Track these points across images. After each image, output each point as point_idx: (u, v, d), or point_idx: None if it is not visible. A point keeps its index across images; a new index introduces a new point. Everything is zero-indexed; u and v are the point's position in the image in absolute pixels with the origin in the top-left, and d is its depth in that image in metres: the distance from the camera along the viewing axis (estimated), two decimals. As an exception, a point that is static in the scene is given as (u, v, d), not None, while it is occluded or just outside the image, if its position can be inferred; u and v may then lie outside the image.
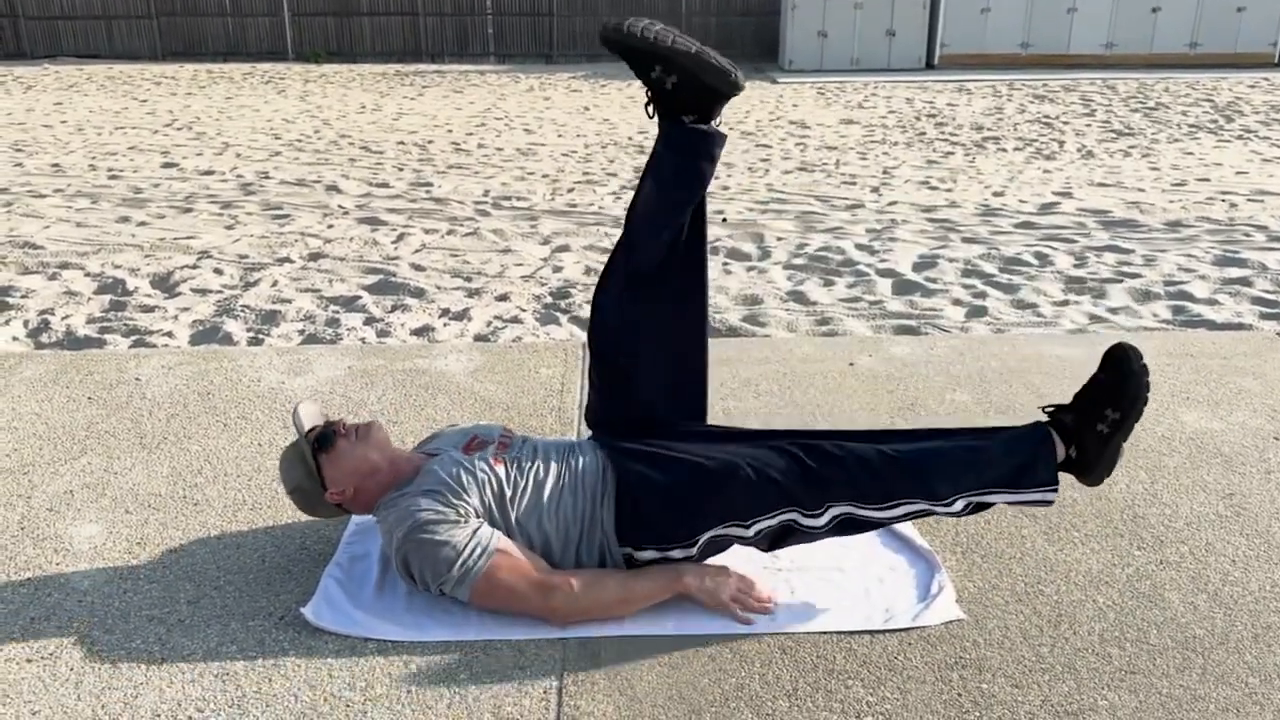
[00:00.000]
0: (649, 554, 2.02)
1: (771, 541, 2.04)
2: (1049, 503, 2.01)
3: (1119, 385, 1.95)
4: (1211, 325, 4.23)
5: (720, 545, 2.03)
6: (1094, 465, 1.99)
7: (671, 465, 2.02)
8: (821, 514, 1.98)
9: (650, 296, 2.15)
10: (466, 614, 2.00)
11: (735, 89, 2.05)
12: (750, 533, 1.99)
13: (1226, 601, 2.07)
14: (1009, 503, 2.00)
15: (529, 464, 2.08)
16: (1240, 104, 11.79)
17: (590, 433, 2.27)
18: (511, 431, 2.21)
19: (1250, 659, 1.90)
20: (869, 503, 1.97)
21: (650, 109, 2.13)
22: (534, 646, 1.93)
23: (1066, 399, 3.06)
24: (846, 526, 2.01)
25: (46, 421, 2.96)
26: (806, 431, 2.12)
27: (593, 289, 4.73)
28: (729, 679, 1.85)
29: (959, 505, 1.98)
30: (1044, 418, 2.07)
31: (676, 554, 2.01)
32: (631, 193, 7.02)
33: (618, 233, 5.87)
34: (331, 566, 2.17)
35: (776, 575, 2.16)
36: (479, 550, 1.93)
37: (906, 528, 2.33)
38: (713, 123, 2.10)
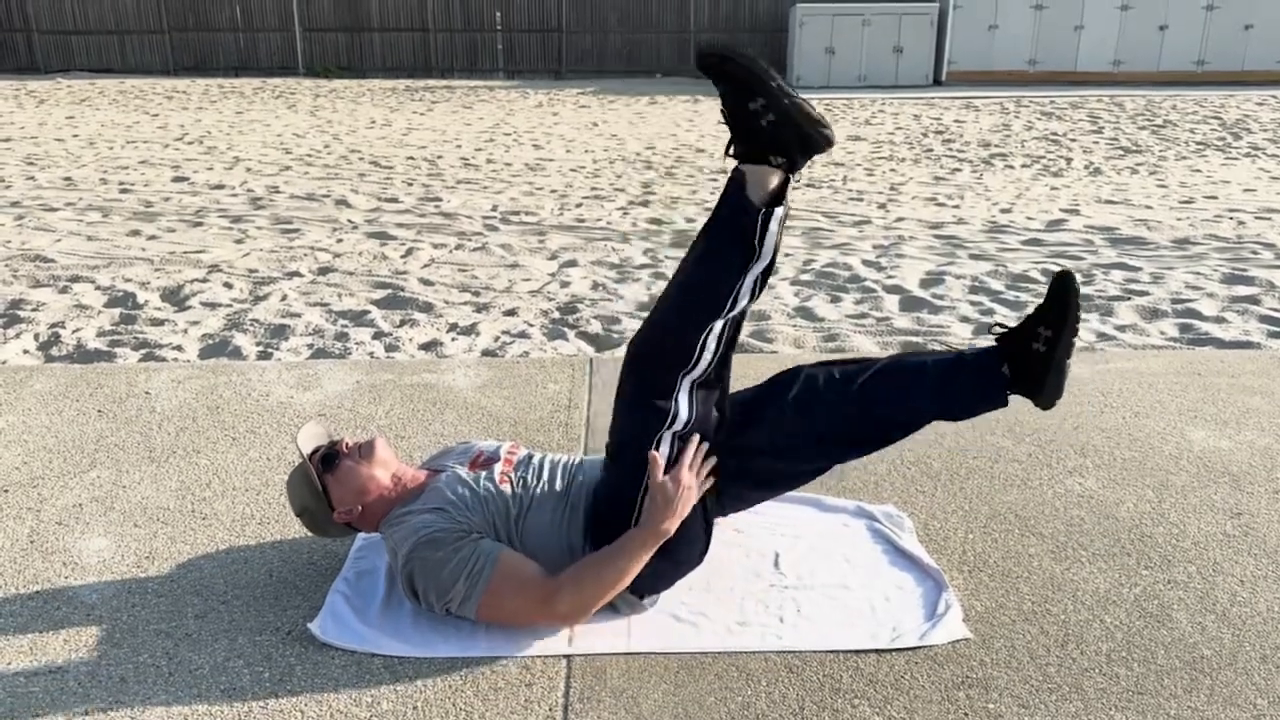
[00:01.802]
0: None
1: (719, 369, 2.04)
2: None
3: (729, 79, 1.92)
4: (1219, 343, 4.22)
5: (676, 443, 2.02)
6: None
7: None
8: (677, 409, 1.97)
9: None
10: (473, 630, 2.00)
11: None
12: (701, 368, 1.99)
13: (1234, 622, 2.06)
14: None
15: (534, 481, 2.09)
16: (1248, 121, 11.79)
17: (598, 448, 2.28)
18: (518, 448, 2.22)
19: (1259, 680, 1.89)
20: (690, 363, 1.96)
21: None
22: (540, 663, 1.93)
23: (1075, 416, 3.07)
24: (704, 390, 2.02)
25: (56, 435, 2.98)
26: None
27: (600, 304, 4.75)
28: (735, 697, 1.85)
29: (746, 295, 1.97)
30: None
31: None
32: (638, 208, 7.04)
33: (625, 248, 5.89)
34: (339, 582, 2.18)
35: (783, 593, 2.16)
36: (482, 565, 1.93)
37: (914, 545, 2.33)
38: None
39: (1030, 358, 2.02)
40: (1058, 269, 1.99)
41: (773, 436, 2.07)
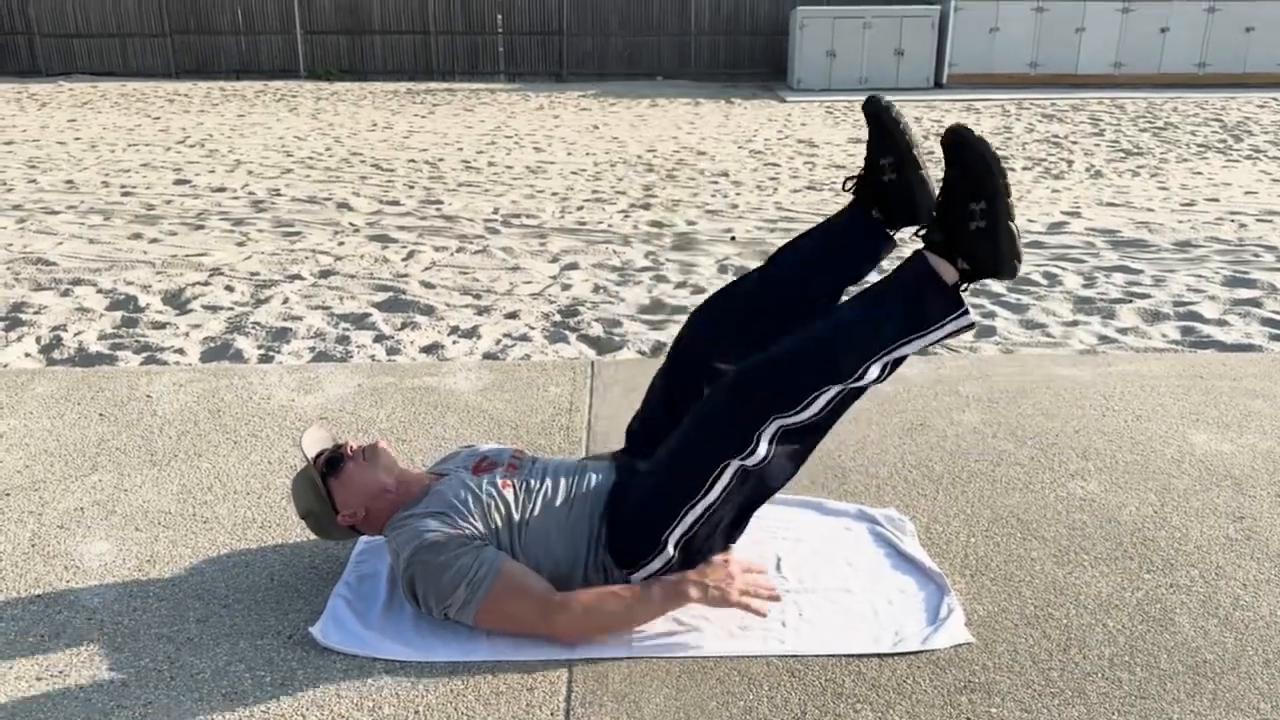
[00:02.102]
0: (639, 574, 2.03)
1: (742, 501, 2.01)
2: (966, 327, 1.92)
3: (966, 170, 1.84)
4: (1221, 346, 4.22)
5: (699, 537, 2.00)
6: (994, 260, 1.86)
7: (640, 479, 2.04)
8: (756, 445, 1.93)
9: (756, 335, 2.16)
10: (475, 635, 2.00)
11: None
12: (711, 501, 1.96)
13: (1237, 626, 2.06)
14: (927, 345, 1.94)
15: (538, 485, 2.09)
16: (1249, 124, 11.79)
17: (609, 449, 2.28)
18: (523, 453, 2.22)
19: (1261, 684, 1.89)
20: (789, 410, 1.92)
21: (851, 186, 2.17)
22: (542, 667, 1.93)
23: (1077, 420, 3.07)
24: (790, 442, 1.96)
25: (58, 438, 2.98)
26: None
27: (601, 306, 4.75)
28: (737, 702, 1.85)
29: (874, 372, 1.92)
30: (919, 245, 1.98)
31: (658, 563, 2.01)
32: (639, 210, 7.04)
33: (626, 250, 5.89)
34: (340, 586, 2.18)
35: (785, 597, 2.16)
36: (483, 574, 1.93)
37: (916, 549, 2.33)
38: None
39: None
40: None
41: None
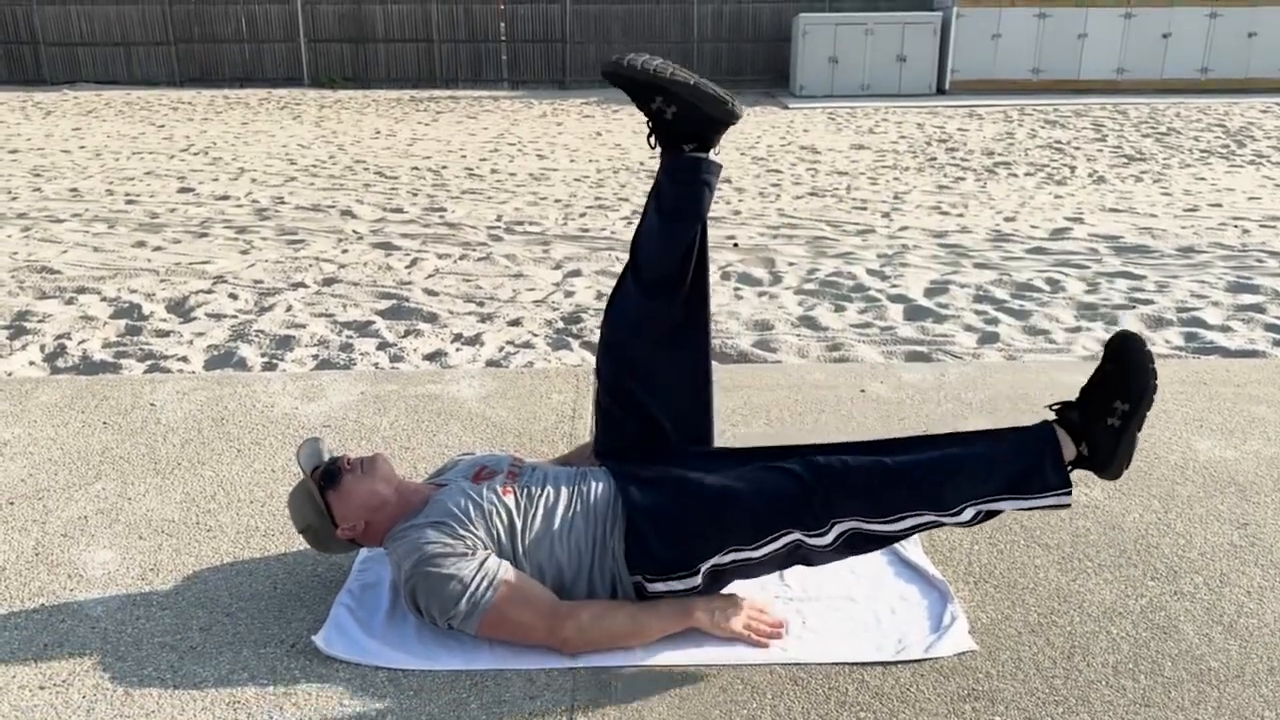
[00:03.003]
0: (658, 585, 2.01)
1: (779, 563, 2.03)
2: (1064, 505, 1.97)
3: (1124, 375, 1.92)
4: (1225, 352, 4.21)
5: (727, 573, 2.02)
6: (1109, 460, 1.95)
7: (674, 491, 2.03)
8: (826, 531, 1.96)
9: (655, 323, 2.20)
10: (478, 644, 2.00)
11: (732, 116, 2.11)
12: (756, 555, 1.98)
13: (1242, 634, 2.06)
14: (1021, 509, 1.98)
15: (539, 492, 2.08)
16: (1252, 129, 11.79)
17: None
18: (522, 460, 2.22)
19: (1266, 692, 1.88)
20: (875, 517, 1.95)
21: (652, 140, 2.20)
22: (545, 676, 1.93)
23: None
24: (855, 542, 1.99)
25: (62, 446, 2.98)
26: (808, 447, 2.10)
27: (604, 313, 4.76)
28: (740, 710, 1.85)
29: (968, 514, 1.96)
30: (1051, 416, 2.04)
31: (681, 584, 2.00)
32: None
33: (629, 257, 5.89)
34: (343, 594, 2.18)
35: (788, 605, 2.15)
36: (486, 584, 1.93)
37: (919, 557, 2.32)
38: (711, 152, 2.17)
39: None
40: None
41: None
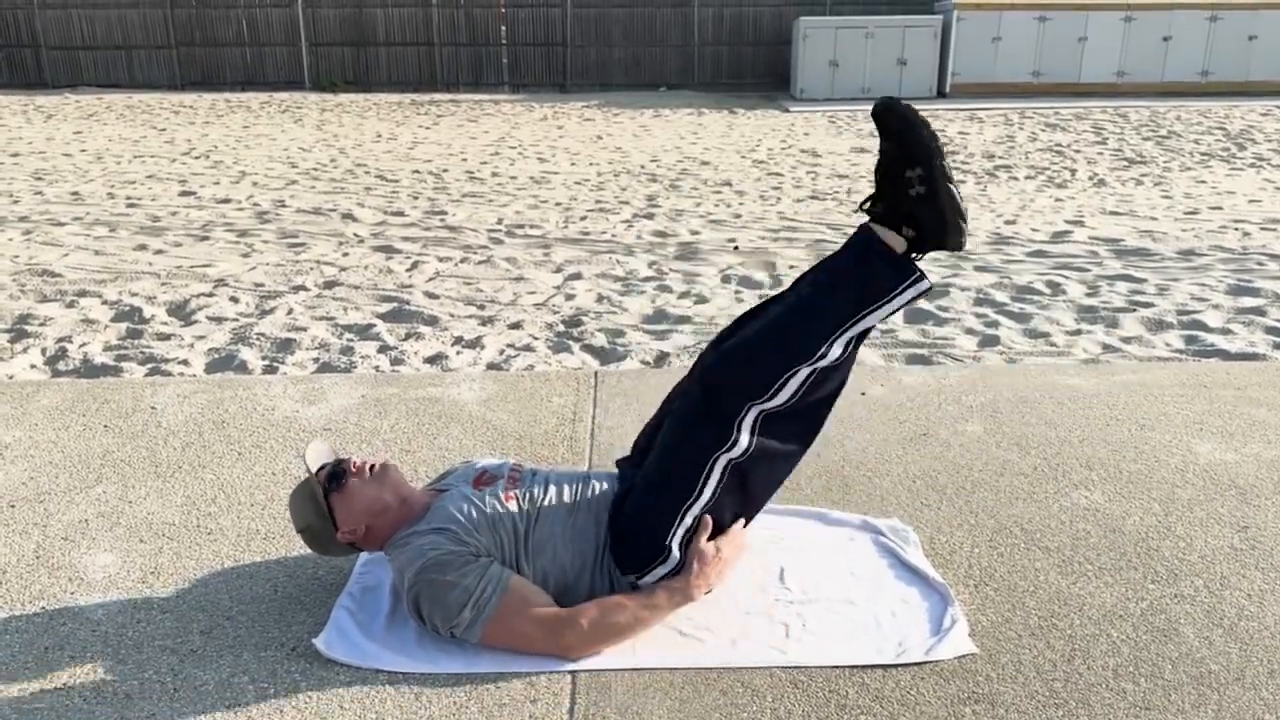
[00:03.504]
0: (648, 579, 2.03)
1: (738, 501, 2.03)
2: (924, 291, 1.94)
3: (899, 143, 1.88)
4: (1225, 355, 4.21)
5: (700, 537, 2.03)
6: (939, 226, 1.89)
7: (639, 484, 2.05)
8: (738, 436, 1.95)
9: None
10: (478, 647, 2.00)
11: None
12: (704, 501, 1.98)
13: (1242, 636, 2.05)
14: (887, 314, 1.94)
15: (541, 496, 2.09)
16: (1253, 132, 11.79)
17: (613, 459, 2.28)
18: (522, 465, 2.22)
19: (1266, 695, 1.88)
20: (762, 397, 1.94)
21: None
22: (545, 679, 1.93)
23: (1081, 429, 3.06)
24: (770, 432, 1.97)
25: (63, 450, 2.98)
26: (692, 369, 2.12)
27: (605, 317, 4.76)
28: (741, 713, 1.85)
29: (837, 350, 1.94)
30: (864, 219, 2.01)
31: (665, 568, 2.01)
32: (642, 220, 7.05)
33: (629, 260, 5.90)
34: (343, 597, 2.18)
35: (788, 608, 2.15)
36: (490, 591, 1.93)
37: (919, 560, 2.32)
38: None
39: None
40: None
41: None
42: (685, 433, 1.99)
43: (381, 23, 18.59)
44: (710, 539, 2.04)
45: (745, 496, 2.05)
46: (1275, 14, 16.48)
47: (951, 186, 1.89)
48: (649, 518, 2.00)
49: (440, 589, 1.93)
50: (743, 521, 2.07)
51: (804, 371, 1.94)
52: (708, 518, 2.00)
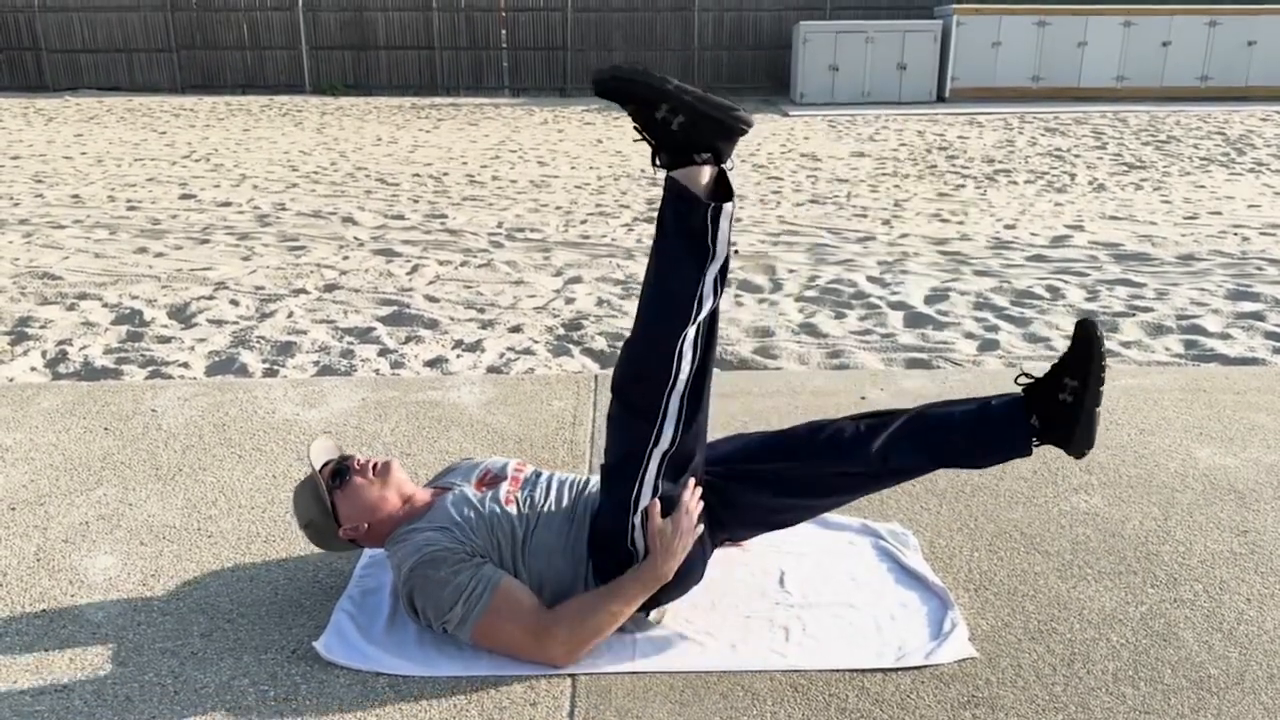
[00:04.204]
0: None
1: (677, 482, 2.02)
2: (729, 214, 1.93)
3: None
4: (1225, 360, 4.22)
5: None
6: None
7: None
8: (663, 427, 1.96)
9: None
10: (477, 650, 2.00)
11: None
12: (645, 502, 1.98)
13: (1241, 641, 2.06)
14: (724, 244, 1.94)
15: (541, 500, 2.09)
16: (1252, 137, 11.81)
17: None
18: (524, 466, 2.22)
19: (1266, 699, 1.88)
20: (673, 375, 1.94)
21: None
22: (545, 683, 1.93)
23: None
24: (690, 406, 1.99)
25: (63, 452, 2.99)
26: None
27: (604, 320, 4.76)
28: (741, 717, 1.85)
29: (709, 296, 1.94)
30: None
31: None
32: (642, 224, 7.05)
33: (629, 264, 5.91)
34: (343, 600, 2.18)
35: (788, 612, 2.16)
36: (481, 590, 1.93)
37: (919, 564, 2.33)
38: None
39: (1057, 408, 2.05)
40: (1080, 317, 2.14)
41: (791, 472, 2.09)
42: (616, 441, 2.00)
43: (382, 26, 18.61)
44: (665, 515, 2.00)
45: (689, 474, 2.03)
46: (1274, 20, 16.51)
47: (701, 94, 1.89)
48: (609, 528, 2.01)
49: (434, 585, 1.94)
50: (692, 482, 2.03)
51: (690, 331, 1.93)
52: (656, 503, 1.98)
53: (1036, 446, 2.10)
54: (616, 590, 1.97)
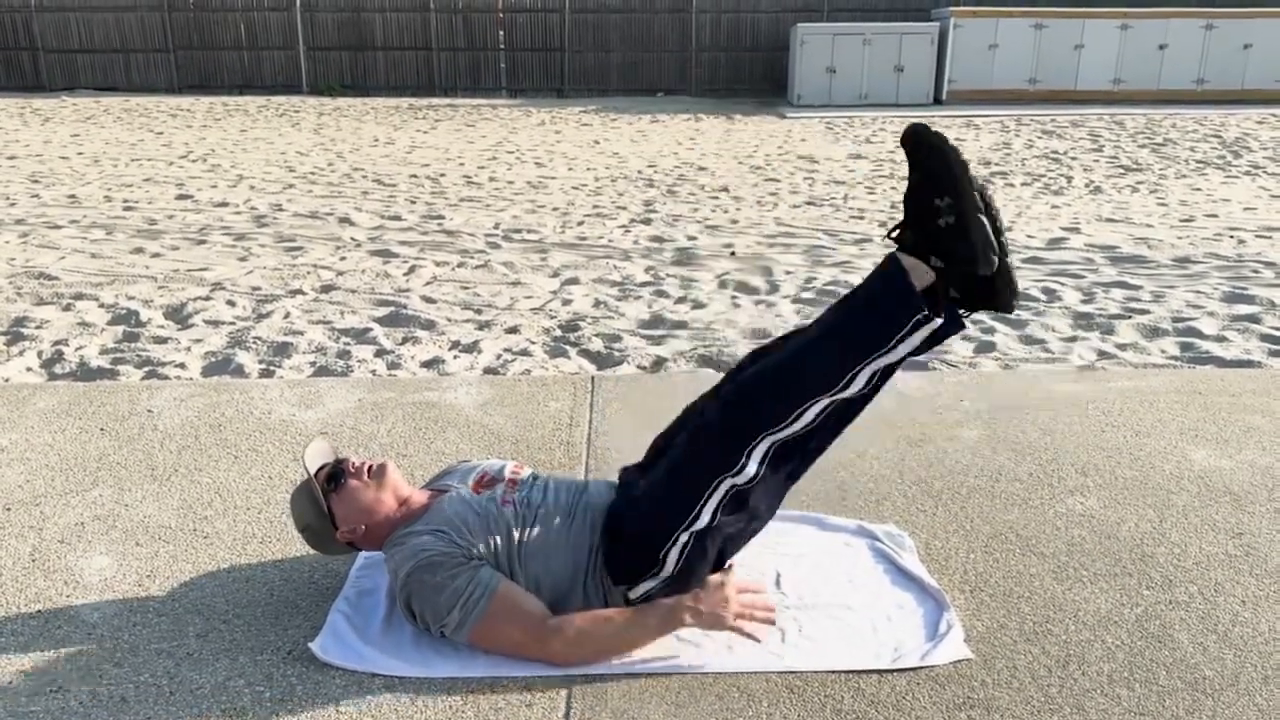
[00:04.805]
0: (640, 589, 2.02)
1: (738, 523, 2.01)
2: (935, 329, 1.83)
3: (926, 171, 1.80)
4: (1220, 362, 4.22)
5: (695, 557, 2.00)
6: (971, 258, 1.80)
7: (639, 494, 2.05)
8: (746, 464, 1.93)
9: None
10: (474, 651, 2.00)
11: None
12: (704, 523, 1.96)
13: (1236, 642, 2.06)
14: (907, 353, 1.87)
15: (538, 503, 2.09)
16: (1248, 140, 11.83)
17: (610, 464, 2.28)
18: (522, 468, 2.22)
19: (1260, 701, 1.89)
20: (779, 425, 1.92)
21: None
22: (541, 684, 1.93)
23: (1076, 436, 3.07)
24: (780, 459, 1.96)
25: (59, 453, 2.98)
26: (698, 402, 2.12)
27: (601, 321, 4.76)
28: (736, 718, 1.85)
29: (860, 382, 1.90)
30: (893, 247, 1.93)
31: (655, 581, 2.00)
32: (639, 225, 7.06)
33: (626, 265, 5.91)
34: (339, 601, 2.18)
35: (784, 613, 2.16)
36: (479, 594, 1.93)
37: (915, 565, 2.33)
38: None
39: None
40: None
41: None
42: (695, 453, 1.98)
43: (379, 27, 18.61)
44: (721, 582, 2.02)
45: (746, 518, 2.03)
46: (1270, 23, 16.55)
47: (982, 217, 1.79)
48: (647, 529, 1.99)
49: (431, 589, 1.94)
50: (770, 597, 2.03)
51: (823, 401, 1.91)
52: (734, 564, 1.99)
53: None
54: (637, 622, 1.96)
